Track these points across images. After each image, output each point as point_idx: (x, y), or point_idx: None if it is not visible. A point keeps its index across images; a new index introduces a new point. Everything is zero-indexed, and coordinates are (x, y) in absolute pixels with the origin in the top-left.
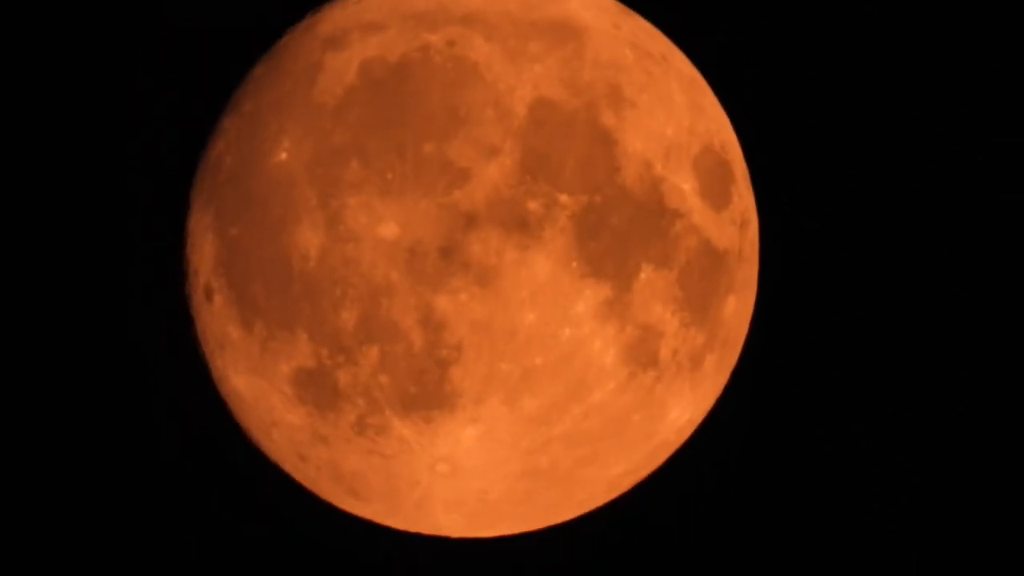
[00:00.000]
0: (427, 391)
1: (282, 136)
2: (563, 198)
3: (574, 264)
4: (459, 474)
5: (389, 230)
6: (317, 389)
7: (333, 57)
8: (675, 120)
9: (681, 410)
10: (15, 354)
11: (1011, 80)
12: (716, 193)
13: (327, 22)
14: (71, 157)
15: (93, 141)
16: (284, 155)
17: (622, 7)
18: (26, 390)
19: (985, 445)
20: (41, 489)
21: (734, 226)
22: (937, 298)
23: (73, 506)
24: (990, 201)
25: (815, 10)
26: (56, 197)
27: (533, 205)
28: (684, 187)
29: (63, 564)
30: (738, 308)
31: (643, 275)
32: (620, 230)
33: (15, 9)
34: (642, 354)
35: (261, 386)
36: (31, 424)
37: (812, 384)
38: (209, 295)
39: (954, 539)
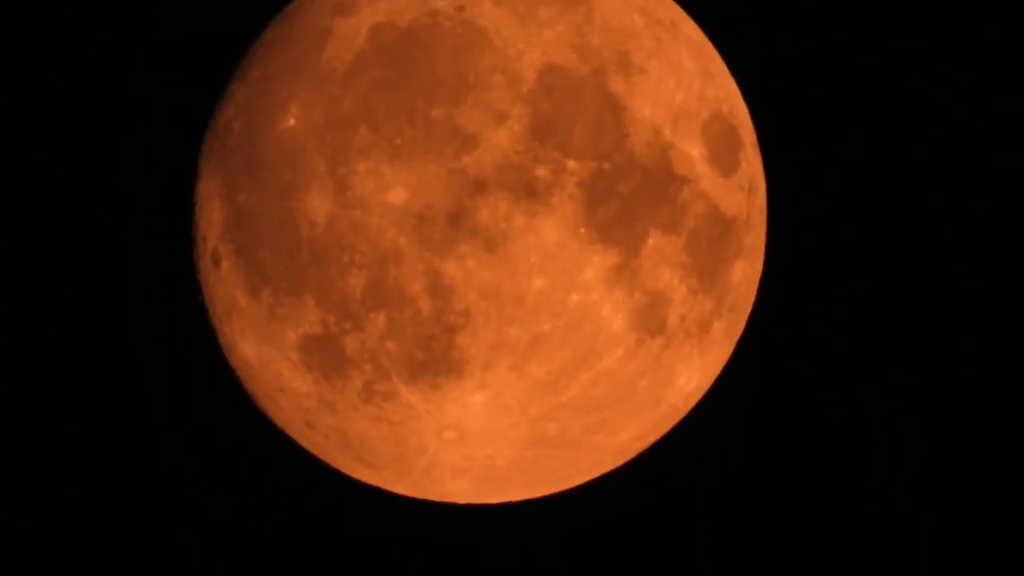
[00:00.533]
0: (435, 357)
1: (291, 102)
2: (572, 164)
3: (582, 230)
4: (467, 441)
5: (397, 196)
6: (324, 356)
7: (342, 23)
8: (684, 86)
9: (689, 376)
10: (26, 322)
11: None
12: (724, 159)
13: None
14: (80, 127)
15: (102, 109)
16: (293, 121)
17: None
18: (35, 358)
19: (987, 412)
20: (52, 455)
21: (742, 192)
22: (940, 271)
23: (82, 473)
24: (996, 168)
25: None
26: (64, 166)
27: (542, 171)
28: (693, 153)
29: (72, 533)
30: (746, 274)
31: (651, 241)
32: (628, 196)
33: None
34: (650, 320)
35: (268, 353)
36: (41, 394)
37: (818, 352)
38: (217, 261)
39: (957, 506)
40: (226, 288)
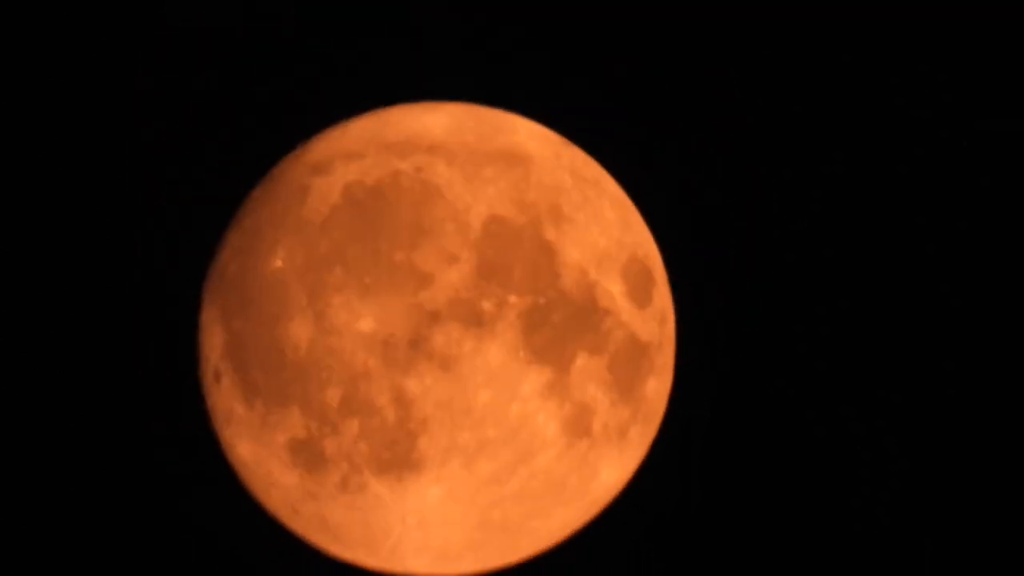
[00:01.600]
0: (399, 457)
1: (277, 247)
2: (512, 299)
3: (521, 353)
4: (426, 525)
5: (367, 325)
6: (308, 455)
7: (320, 181)
8: (606, 234)
9: (610, 473)
10: (55, 417)
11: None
12: (640, 294)
13: (314, 151)
14: (103, 261)
15: (123, 252)
16: (279, 262)
17: (562, 139)
18: (68, 457)
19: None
20: (72, 545)
21: (655, 321)
22: (849, 351)
23: (98, 555)
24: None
25: (727, 141)
26: (89, 295)
27: (487, 304)
28: (613, 290)
29: None
30: (658, 388)
31: (579, 362)
32: (560, 325)
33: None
34: (578, 426)
35: (261, 453)
36: (68, 488)
37: (723, 453)
38: (218, 377)
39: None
40: (226, 399)
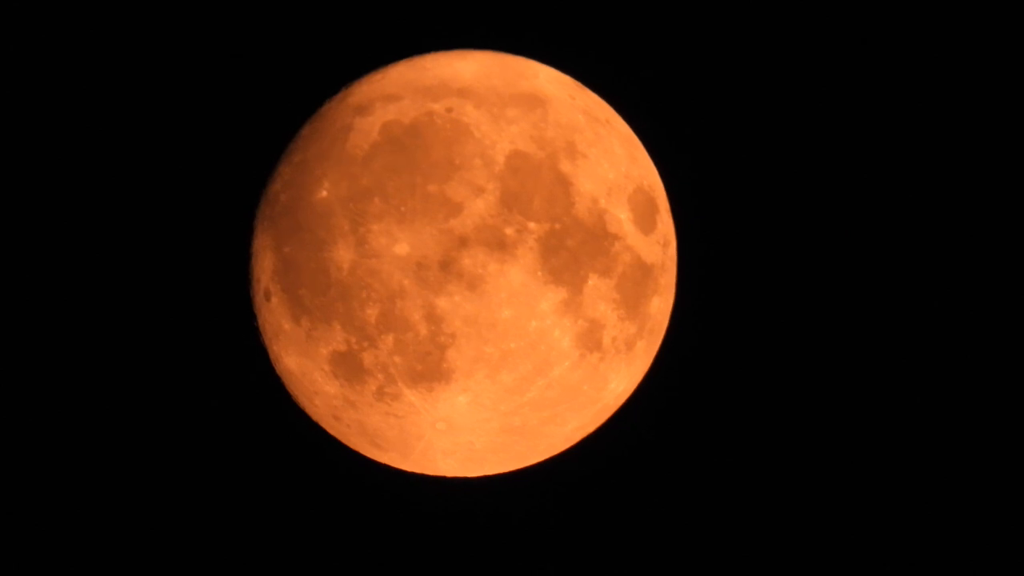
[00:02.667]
0: (430, 368)
1: (323, 179)
2: (532, 225)
3: (539, 274)
4: (454, 430)
5: (402, 249)
6: (348, 367)
7: (361, 120)
8: (615, 167)
9: (618, 382)
10: (120, 347)
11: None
12: (645, 221)
13: (357, 94)
14: (171, 199)
15: (189, 184)
16: (325, 193)
17: (576, 83)
18: (129, 372)
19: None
20: (138, 445)
21: (659, 245)
22: (825, 300)
23: (157, 459)
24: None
25: (724, 86)
26: (152, 227)
27: (509, 231)
28: (621, 217)
29: (146, 502)
30: (661, 306)
31: (591, 282)
32: (574, 249)
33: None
34: (590, 340)
35: (306, 365)
36: (132, 395)
37: (716, 362)
38: (268, 297)
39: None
40: (275, 317)
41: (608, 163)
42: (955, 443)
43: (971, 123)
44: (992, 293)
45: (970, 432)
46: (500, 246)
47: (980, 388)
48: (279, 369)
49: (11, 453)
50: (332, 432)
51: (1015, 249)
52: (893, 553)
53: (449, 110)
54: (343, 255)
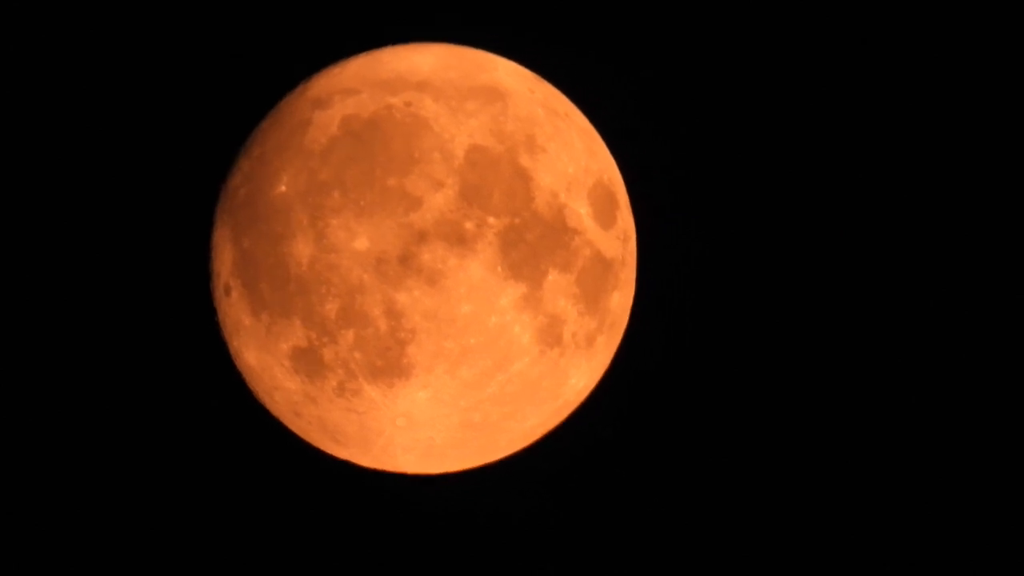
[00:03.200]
0: (390, 364)
1: (282, 173)
2: (491, 220)
3: (499, 269)
4: (414, 426)
5: (361, 243)
6: (308, 362)
7: (320, 114)
8: (575, 161)
9: (579, 378)
10: (79, 343)
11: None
12: (605, 216)
13: (315, 88)
14: (127, 192)
15: (149, 178)
16: (283, 187)
17: (535, 76)
18: (87, 367)
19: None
20: (95, 440)
21: (618, 240)
22: (786, 292)
23: (116, 454)
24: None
25: (691, 79)
26: (112, 221)
27: (469, 225)
28: (581, 211)
29: (104, 501)
30: (621, 301)
31: (550, 277)
32: (533, 243)
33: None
34: (550, 336)
35: (266, 360)
36: (91, 390)
37: (680, 358)
38: (228, 291)
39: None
40: (235, 311)
41: (568, 157)
42: (939, 438)
43: (935, 107)
44: (987, 293)
45: (965, 432)
46: (460, 240)
47: (975, 386)
48: (239, 364)
49: None
50: (292, 428)
51: (1015, 250)
52: (867, 546)
53: (408, 104)
54: (302, 250)
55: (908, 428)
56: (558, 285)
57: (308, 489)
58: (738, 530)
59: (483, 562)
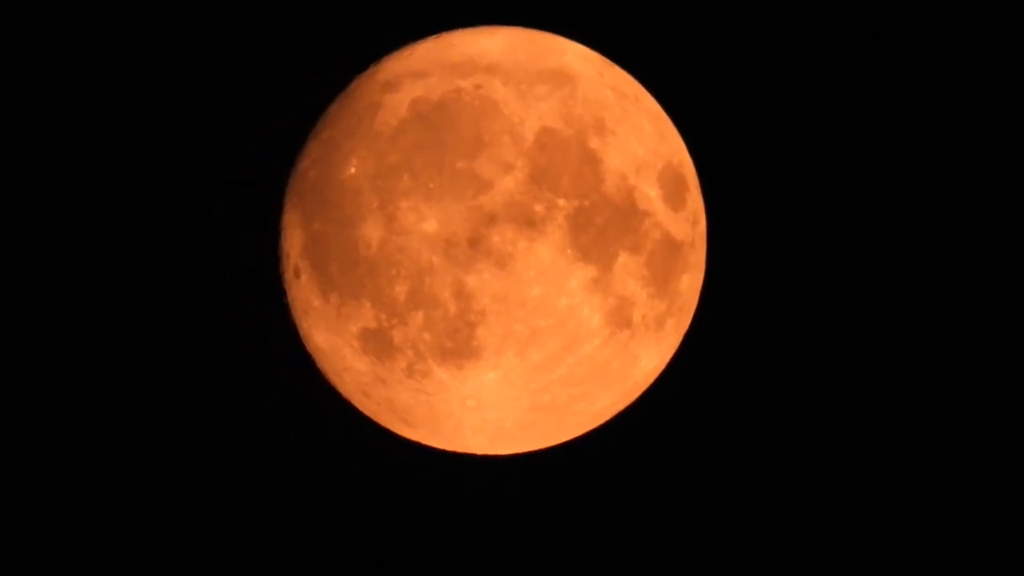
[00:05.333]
0: (459, 345)
1: (352, 156)
2: (561, 202)
3: (569, 251)
4: (483, 408)
5: (431, 226)
6: (378, 343)
7: (389, 97)
8: (644, 144)
9: (648, 360)
10: (148, 324)
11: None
12: (675, 198)
13: (384, 71)
14: (197, 176)
15: (219, 162)
16: (353, 170)
17: (605, 59)
18: (157, 349)
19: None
20: (167, 421)
21: (688, 223)
22: (856, 279)
23: (187, 437)
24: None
25: (761, 62)
26: (184, 205)
27: (538, 207)
28: (651, 194)
29: (175, 481)
30: (691, 284)
31: (620, 259)
32: (603, 226)
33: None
34: (619, 318)
35: (336, 342)
36: (160, 372)
37: (746, 340)
38: (297, 274)
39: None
40: (304, 293)
41: (637, 140)
42: (974, 444)
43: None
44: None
45: (979, 434)
46: (529, 223)
47: (987, 388)
48: (309, 346)
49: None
50: (362, 409)
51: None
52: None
53: (477, 87)
54: (372, 232)
55: (962, 435)
56: (628, 267)
57: (378, 470)
58: (806, 516)
59: (551, 542)
